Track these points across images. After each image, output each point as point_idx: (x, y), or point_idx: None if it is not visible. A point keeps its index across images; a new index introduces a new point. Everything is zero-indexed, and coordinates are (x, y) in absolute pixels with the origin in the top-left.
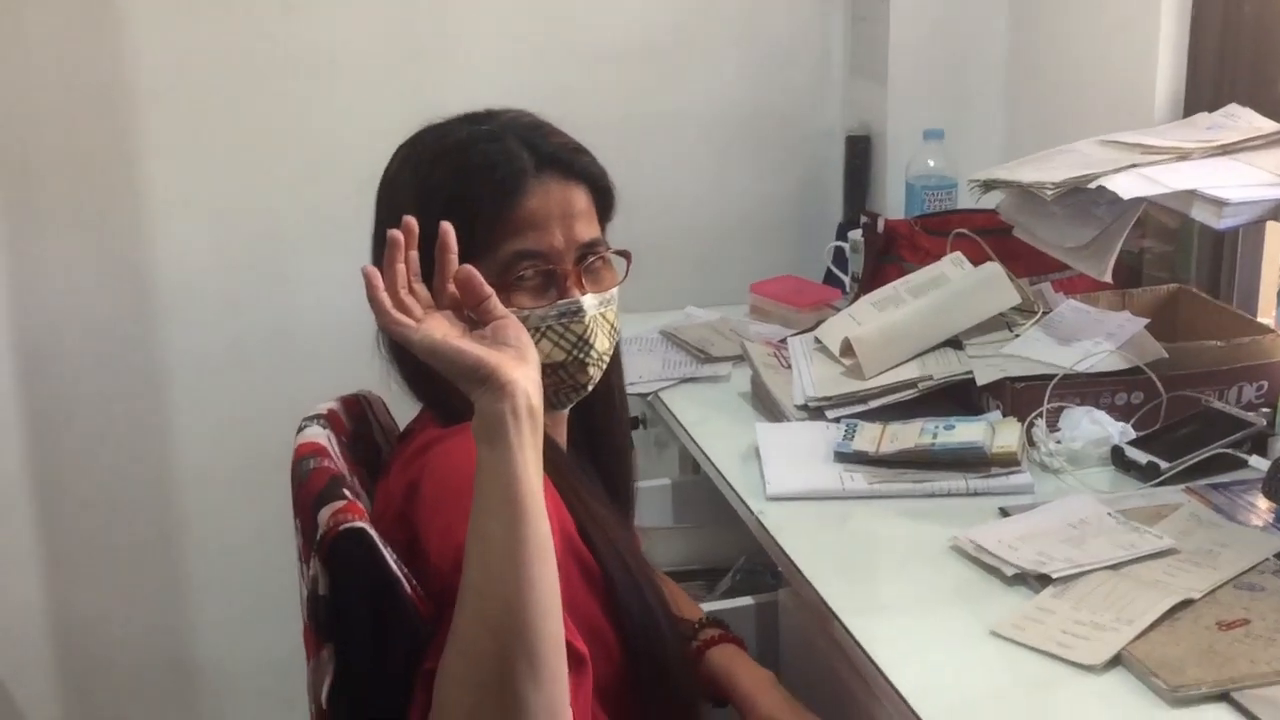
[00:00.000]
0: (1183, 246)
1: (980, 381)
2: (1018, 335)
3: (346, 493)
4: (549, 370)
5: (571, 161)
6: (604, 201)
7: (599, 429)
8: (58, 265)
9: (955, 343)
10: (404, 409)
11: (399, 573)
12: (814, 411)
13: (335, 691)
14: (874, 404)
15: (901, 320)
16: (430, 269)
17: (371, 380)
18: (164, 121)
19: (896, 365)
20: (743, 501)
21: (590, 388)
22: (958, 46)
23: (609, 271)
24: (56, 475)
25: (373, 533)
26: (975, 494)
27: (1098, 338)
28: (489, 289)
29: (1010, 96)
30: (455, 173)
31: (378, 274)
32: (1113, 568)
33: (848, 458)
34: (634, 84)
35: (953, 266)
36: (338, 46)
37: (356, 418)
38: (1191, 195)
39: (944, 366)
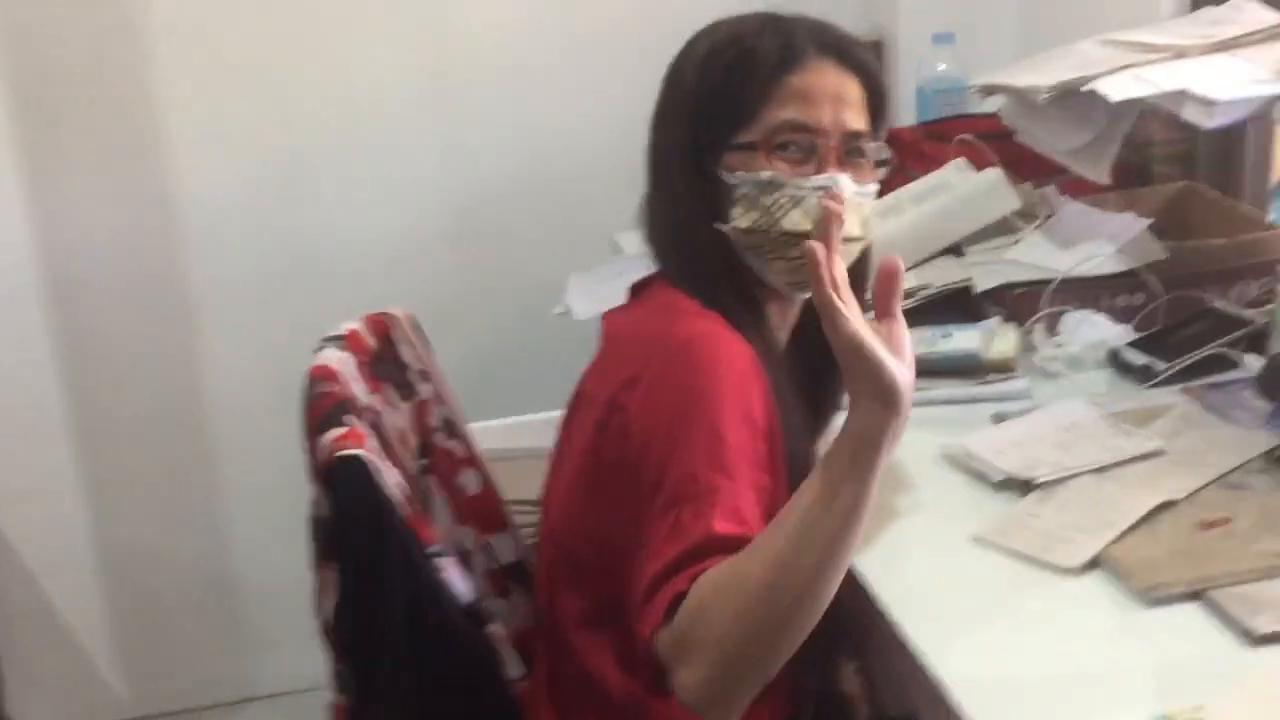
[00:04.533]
0: (1196, 142)
1: (978, 288)
2: (1019, 240)
3: (349, 419)
4: (795, 240)
5: (852, 53)
6: (877, 103)
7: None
8: (83, 199)
9: (957, 250)
10: (432, 324)
11: (396, 497)
12: None
13: (339, 606)
14: (870, 315)
15: (901, 229)
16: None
17: (398, 297)
18: (182, 50)
19: None
20: None
21: None
22: None
23: (870, 170)
24: (91, 406)
25: (369, 459)
26: (972, 401)
27: (1099, 240)
28: (901, 283)
29: None
30: (740, 47)
31: (822, 250)
32: (1098, 471)
33: None
34: None
35: (956, 173)
36: None
37: (381, 337)
38: (1182, 95)
39: (943, 275)
